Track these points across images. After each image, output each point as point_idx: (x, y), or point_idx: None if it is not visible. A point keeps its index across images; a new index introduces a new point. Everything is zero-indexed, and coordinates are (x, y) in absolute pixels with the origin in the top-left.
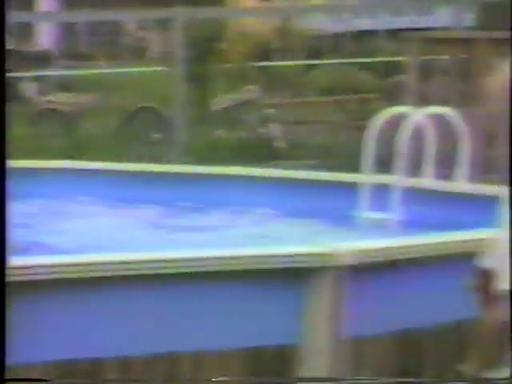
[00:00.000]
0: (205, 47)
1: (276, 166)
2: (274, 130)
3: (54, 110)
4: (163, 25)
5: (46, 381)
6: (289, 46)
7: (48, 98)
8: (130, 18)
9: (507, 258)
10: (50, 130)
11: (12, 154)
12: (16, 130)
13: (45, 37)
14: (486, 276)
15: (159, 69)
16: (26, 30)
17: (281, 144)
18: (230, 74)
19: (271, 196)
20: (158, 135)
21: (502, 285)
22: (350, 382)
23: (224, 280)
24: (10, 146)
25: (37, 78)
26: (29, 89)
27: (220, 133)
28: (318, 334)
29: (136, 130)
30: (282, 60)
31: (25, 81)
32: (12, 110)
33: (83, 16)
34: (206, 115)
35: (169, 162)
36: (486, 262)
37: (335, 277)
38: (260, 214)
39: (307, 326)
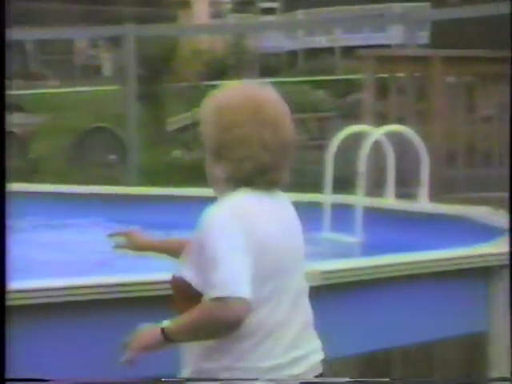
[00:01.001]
0: (158, 65)
1: None
2: None
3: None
4: (115, 42)
5: (46, 381)
6: (243, 63)
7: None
8: (80, 36)
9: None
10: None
11: None
12: None
13: None
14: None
15: (112, 88)
16: None
17: None
18: (185, 92)
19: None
20: (113, 156)
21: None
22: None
23: None
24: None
25: None
26: None
27: (177, 153)
28: None
29: (90, 151)
30: (237, 78)
31: None
32: None
33: (32, 34)
34: (162, 135)
35: (125, 184)
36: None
37: None
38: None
39: None
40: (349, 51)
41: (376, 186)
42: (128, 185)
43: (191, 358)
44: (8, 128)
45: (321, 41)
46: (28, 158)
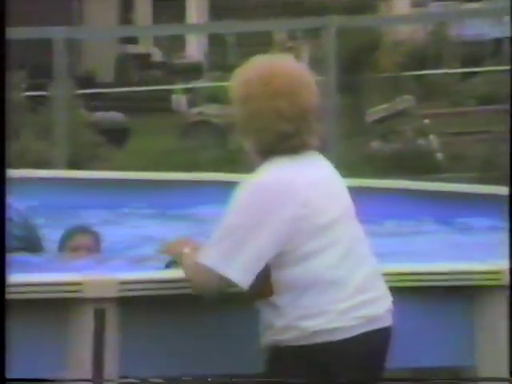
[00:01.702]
0: (358, 57)
1: (435, 180)
2: (431, 141)
3: (204, 121)
4: (313, 34)
5: (46, 381)
6: (445, 53)
7: (198, 109)
8: (281, 28)
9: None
10: (201, 142)
11: (161, 166)
12: (167, 142)
13: (195, 49)
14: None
15: None
16: (177, 42)
17: (439, 156)
18: (384, 83)
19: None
20: None
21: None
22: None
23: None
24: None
25: (187, 90)
26: (180, 101)
27: (375, 144)
28: None
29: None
30: (438, 68)
31: (176, 93)
32: (163, 122)
33: (232, 27)
34: (360, 126)
35: None
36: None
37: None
38: None
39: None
40: None
41: None
42: None
43: (267, 320)
44: (207, 118)
45: None
46: (227, 149)
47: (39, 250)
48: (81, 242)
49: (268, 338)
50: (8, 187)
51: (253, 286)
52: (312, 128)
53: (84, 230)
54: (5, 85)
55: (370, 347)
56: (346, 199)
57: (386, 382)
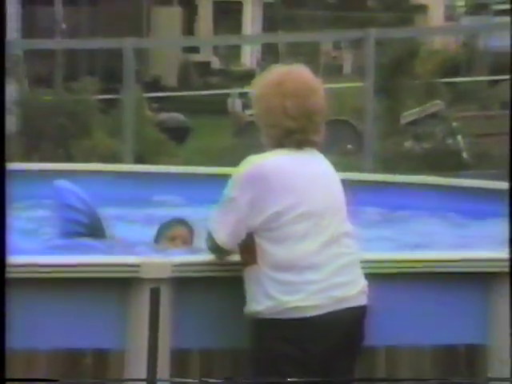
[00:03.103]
0: (395, 64)
1: (463, 176)
2: (460, 141)
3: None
4: (356, 44)
5: (46, 380)
6: (473, 62)
7: (251, 111)
8: (327, 39)
9: None
10: (253, 140)
11: (218, 162)
12: (223, 140)
13: (249, 57)
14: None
15: (351, 84)
16: (234, 51)
17: (467, 155)
18: (419, 89)
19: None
20: (351, 146)
21: None
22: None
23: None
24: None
25: (242, 95)
26: (235, 104)
27: (409, 144)
28: None
29: (330, 141)
30: (468, 75)
31: (232, 97)
32: (220, 123)
33: (283, 38)
34: (395, 127)
35: (361, 171)
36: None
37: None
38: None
39: None
40: None
41: None
42: (364, 171)
43: (252, 291)
44: (254, 119)
45: None
46: None
47: (103, 236)
48: (178, 232)
49: (250, 309)
50: (74, 179)
51: (242, 253)
52: (317, 127)
53: (181, 221)
54: (5, 85)
55: (340, 323)
56: (338, 194)
57: (385, 381)
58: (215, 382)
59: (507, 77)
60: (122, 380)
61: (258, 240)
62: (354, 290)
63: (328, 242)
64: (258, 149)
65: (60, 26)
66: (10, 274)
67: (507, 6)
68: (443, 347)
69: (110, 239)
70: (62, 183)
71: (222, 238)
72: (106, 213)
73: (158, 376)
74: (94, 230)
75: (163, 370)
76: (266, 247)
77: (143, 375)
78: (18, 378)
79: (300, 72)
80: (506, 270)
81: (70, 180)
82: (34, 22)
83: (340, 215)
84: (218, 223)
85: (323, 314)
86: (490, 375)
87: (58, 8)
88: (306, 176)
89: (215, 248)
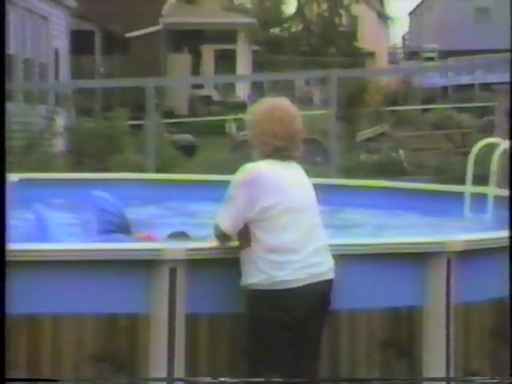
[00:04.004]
0: (352, 96)
1: (403, 180)
2: (402, 154)
3: (248, 141)
4: (322, 81)
5: (46, 380)
6: (410, 95)
7: (244, 133)
8: (300, 77)
9: None
10: (246, 155)
11: (217, 171)
12: (222, 155)
13: (242, 91)
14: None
15: (320, 112)
16: (229, 86)
17: (406, 164)
18: (370, 115)
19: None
20: (319, 158)
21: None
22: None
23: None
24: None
25: (236, 120)
26: (231, 127)
27: (363, 156)
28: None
29: (304, 155)
30: (406, 105)
31: (228, 122)
32: (219, 142)
33: (267, 77)
34: (353, 144)
35: (327, 177)
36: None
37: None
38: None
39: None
40: (486, 86)
41: (504, 181)
42: (329, 178)
43: (246, 268)
44: (246, 138)
45: (464, 79)
46: None
47: (128, 232)
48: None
49: (246, 283)
50: (110, 185)
51: (239, 238)
52: (297, 145)
53: (181, 234)
54: (5, 91)
55: (316, 293)
56: (311, 195)
57: (385, 381)
58: (231, 382)
59: (434, 106)
60: (122, 380)
61: (252, 228)
62: (325, 267)
63: (305, 231)
64: (250, 161)
65: (99, 69)
66: (69, 257)
67: (433, 54)
68: (390, 308)
69: (134, 234)
70: (98, 192)
71: (226, 226)
72: (133, 211)
73: (176, 365)
74: (122, 227)
75: (180, 331)
76: (258, 234)
77: (164, 336)
78: (49, 343)
79: (284, 103)
80: (439, 250)
81: (107, 186)
82: (80, 67)
83: (313, 211)
84: (223, 215)
85: (303, 286)
86: (424, 332)
87: (98, 56)
88: (288, 180)
89: (220, 234)
